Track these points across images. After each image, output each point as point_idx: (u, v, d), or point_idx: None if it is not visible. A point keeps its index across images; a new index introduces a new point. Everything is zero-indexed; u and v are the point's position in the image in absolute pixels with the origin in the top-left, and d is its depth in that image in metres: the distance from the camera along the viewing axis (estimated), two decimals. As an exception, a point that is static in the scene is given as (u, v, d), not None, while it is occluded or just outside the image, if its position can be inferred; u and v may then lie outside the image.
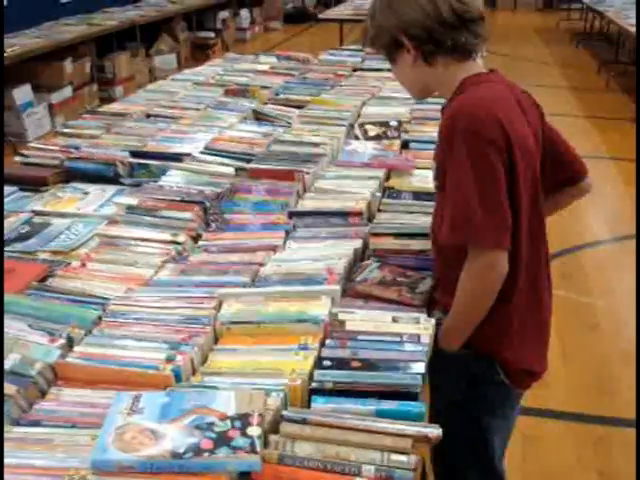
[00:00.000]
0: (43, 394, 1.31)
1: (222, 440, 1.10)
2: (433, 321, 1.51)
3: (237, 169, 2.34)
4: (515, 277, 1.53)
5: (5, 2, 6.17)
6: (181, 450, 1.08)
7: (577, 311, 3.54)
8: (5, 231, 2.00)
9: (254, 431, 1.11)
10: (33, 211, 2.16)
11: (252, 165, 2.35)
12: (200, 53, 8.78)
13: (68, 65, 6.18)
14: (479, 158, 1.42)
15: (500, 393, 1.68)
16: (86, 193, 2.31)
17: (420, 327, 1.49)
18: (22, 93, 5.66)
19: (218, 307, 1.52)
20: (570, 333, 3.31)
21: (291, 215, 2.04)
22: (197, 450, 1.08)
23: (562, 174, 1.72)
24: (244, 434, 1.11)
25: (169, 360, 1.34)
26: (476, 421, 1.70)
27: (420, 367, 1.36)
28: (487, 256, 1.47)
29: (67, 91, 6.21)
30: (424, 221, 1.97)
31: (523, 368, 1.65)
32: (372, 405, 1.26)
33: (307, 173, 2.26)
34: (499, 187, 1.43)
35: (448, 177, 1.49)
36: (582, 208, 4.68)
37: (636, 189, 4.66)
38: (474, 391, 1.66)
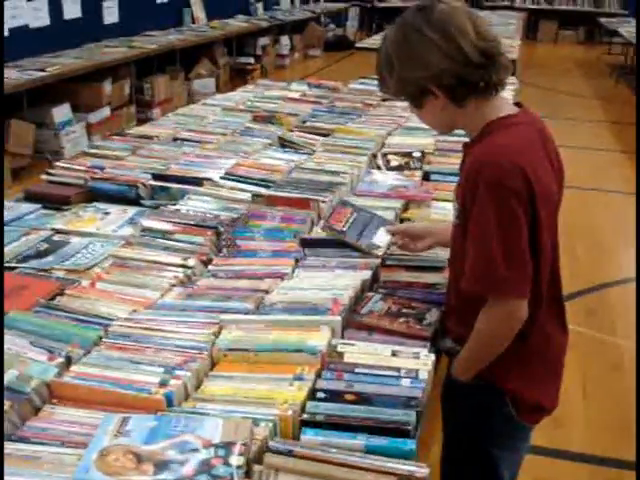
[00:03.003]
0: (37, 411, 1.33)
1: (203, 468, 1.10)
2: (433, 357, 1.50)
3: (254, 195, 2.35)
4: (533, 319, 1.53)
5: (49, 22, 6.35)
6: (162, 476, 1.09)
7: (600, 350, 3.47)
8: (24, 247, 2.05)
9: (236, 460, 1.11)
10: (53, 229, 2.20)
11: (268, 192, 2.36)
12: (239, 78, 8.88)
13: (107, 86, 6.29)
14: (503, 209, 1.42)
15: (509, 425, 1.66)
16: (107, 213, 2.35)
17: (419, 362, 1.48)
18: (61, 112, 5.77)
19: (218, 333, 1.53)
20: (592, 372, 3.24)
21: (302, 243, 2.04)
22: (178, 477, 1.08)
23: None
24: (226, 463, 1.11)
25: (162, 384, 1.35)
26: (485, 451, 1.69)
27: (415, 404, 1.35)
28: (508, 305, 1.48)
29: (105, 111, 6.31)
30: (437, 254, 1.97)
31: (532, 403, 1.65)
32: (362, 440, 1.25)
33: (323, 202, 2.27)
34: (521, 238, 1.44)
35: (471, 225, 1.49)
36: (611, 245, 4.61)
37: (636, 224, 4.57)
38: (483, 421, 1.66)
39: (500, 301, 1.48)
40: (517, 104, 1.60)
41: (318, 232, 2.11)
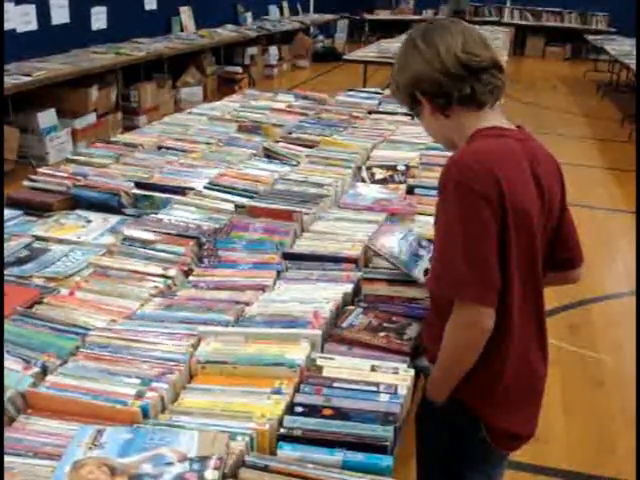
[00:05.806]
0: (12, 421, 1.31)
1: (177, 482, 1.09)
2: (412, 372, 1.50)
3: (237, 206, 2.34)
4: (504, 341, 1.50)
5: (37, 27, 6.33)
6: (135, 490, 1.07)
7: (583, 366, 3.48)
8: (4, 254, 2.02)
9: (211, 475, 1.10)
10: (34, 236, 2.18)
11: (251, 203, 2.36)
12: (227, 87, 8.87)
13: (94, 92, 6.27)
14: (469, 211, 1.39)
15: (483, 450, 1.64)
16: (89, 221, 2.33)
17: (398, 378, 1.47)
18: (46, 117, 5.74)
19: (197, 345, 1.52)
20: (574, 388, 3.25)
21: (285, 256, 2.03)
22: (151, 491, 1.07)
23: (561, 255, 1.65)
24: (201, 477, 1.10)
25: (139, 396, 1.33)
26: (457, 474, 1.68)
27: (393, 419, 1.34)
28: (470, 311, 1.43)
29: (91, 117, 6.29)
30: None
31: (507, 431, 1.61)
32: (339, 456, 1.24)
33: (306, 214, 2.26)
34: (487, 242, 1.40)
35: (438, 226, 1.47)
36: (596, 261, 4.63)
37: (636, 242, 4.60)
38: (456, 444, 1.64)
39: (462, 306, 1.43)
40: (518, 127, 1.59)
41: (301, 245, 2.11)
